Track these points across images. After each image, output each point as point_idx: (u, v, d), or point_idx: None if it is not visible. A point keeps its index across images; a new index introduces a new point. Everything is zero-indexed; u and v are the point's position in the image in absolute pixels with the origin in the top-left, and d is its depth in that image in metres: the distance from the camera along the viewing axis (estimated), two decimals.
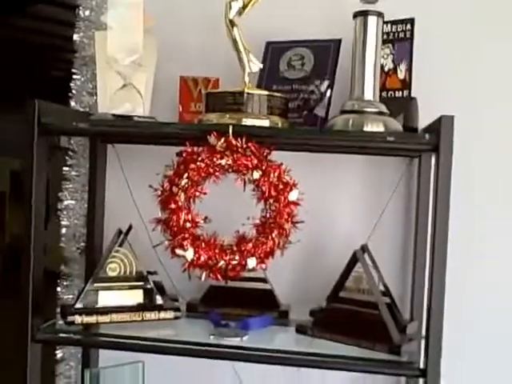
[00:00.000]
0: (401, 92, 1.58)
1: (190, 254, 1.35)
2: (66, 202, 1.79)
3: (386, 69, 1.59)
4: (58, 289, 1.79)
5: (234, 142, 1.34)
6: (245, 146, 1.34)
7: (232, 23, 1.45)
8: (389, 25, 1.59)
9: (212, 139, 1.34)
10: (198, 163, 1.33)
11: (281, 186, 1.35)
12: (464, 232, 1.61)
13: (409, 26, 1.57)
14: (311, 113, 1.55)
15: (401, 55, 1.57)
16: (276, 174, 1.35)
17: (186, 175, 1.33)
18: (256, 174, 1.35)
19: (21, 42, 3.87)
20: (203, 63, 1.75)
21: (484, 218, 1.68)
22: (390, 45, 1.59)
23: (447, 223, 1.29)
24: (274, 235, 1.35)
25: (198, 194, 1.36)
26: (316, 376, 1.70)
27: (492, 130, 1.66)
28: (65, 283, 1.80)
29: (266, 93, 1.43)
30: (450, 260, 1.34)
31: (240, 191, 1.38)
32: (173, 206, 1.34)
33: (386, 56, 1.59)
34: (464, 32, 1.66)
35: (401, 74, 1.57)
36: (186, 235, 1.35)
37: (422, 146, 1.31)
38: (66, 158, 1.79)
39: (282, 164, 1.38)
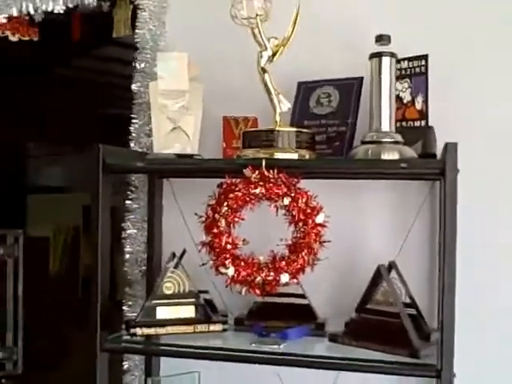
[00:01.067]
0: (419, 122, 1.75)
1: (231, 271, 1.56)
2: (128, 231, 2.03)
3: (404, 101, 1.77)
4: (124, 307, 2.03)
5: (266, 173, 1.55)
6: (276, 176, 1.55)
7: (263, 70, 1.67)
8: (406, 61, 1.77)
9: (247, 172, 1.55)
10: (236, 193, 1.55)
11: (308, 210, 1.55)
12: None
13: (423, 62, 1.74)
14: (339, 144, 1.74)
15: (417, 88, 1.75)
16: (304, 200, 1.55)
17: (225, 203, 1.55)
18: (286, 201, 1.55)
19: (90, 83, 4.29)
20: (244, 104, 1.95)
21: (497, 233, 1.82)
22: (408, 79, 1.77)
23: (455, 239, 1.45)
24: (303, 254, 1.55)
25: (236, 219, 1.57)
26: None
27: (501, 154, 1.80)
28: (129, 303, 2.04)
29: (294, 130, 1.64)
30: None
31: (273, 216, 1.59)
32: (215, 230, 1.56)
33: (404, 89, 1.77)
34: (473, 64, 1.82)
35: (418, 105, 1.75)
36: (227, 255, 1.56)
37: (431, 170, 1.48)
38: (128, 192, 2.05)
39: (308, 191, 1.57)
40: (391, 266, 1.75)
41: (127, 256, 2.04)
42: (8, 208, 5.59)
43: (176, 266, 1.82)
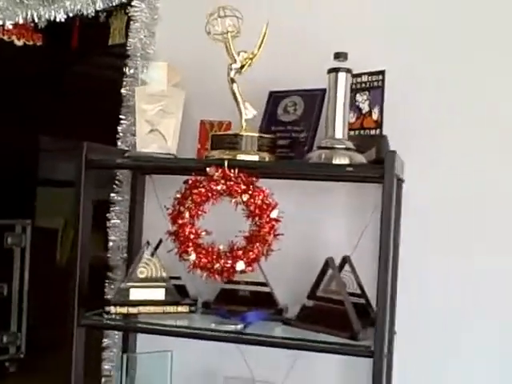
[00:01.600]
0: (374, 130, 1.93)
1: (192, 258, 1.76)
2: (112, 221, 2.24)
3: (363, 111, 1.96)
4: (106, 290, 2.23)
5: (228, 172, 1.74)
6: (236, 175, 1.75)
7: (232, 80, 1.87)
8: (366, 76, 1.96)
9: (210, 170, 1.75)
10: (200, 189, 1.75)
11: (264, 206, 1.75)
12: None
13: (380, 76, 1.93)
14: (301, 148, 1.94)
15: (375, 100, 1.93)
16: (261, 197, 1.75)
17: (190, 198, 1.75)
18: (245, 197, 1.75)
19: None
20: (223, 109, 2.12)
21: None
22: (367, 92, 1.96)
23: (389, 239, 1.64)
24: (258, 245, 1.74)
25: (200, 212, 1.77)
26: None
27: (449, 160, 1.99)
28: (112, 286, 2.24)
29: (256, 134, 1.84)
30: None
31: (233, 211, 1.78)
32: (180, 221, 1.76)
33: (363, 101, 1.96)
34: (425, 79, 2.01)
35: (375, 116, 1.93)
36: (190, 244, 1.76)
37: (373, 174, 1.67)
38: (114, 186, 2.25)
39: (266, 189, 1.77)
40: (345, 260, 1.94)
41: (110, 243, 2.24)
42: (18, 199, 5.83)
43: (152, 254, 2.02)
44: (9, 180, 5.80)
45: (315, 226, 2.13)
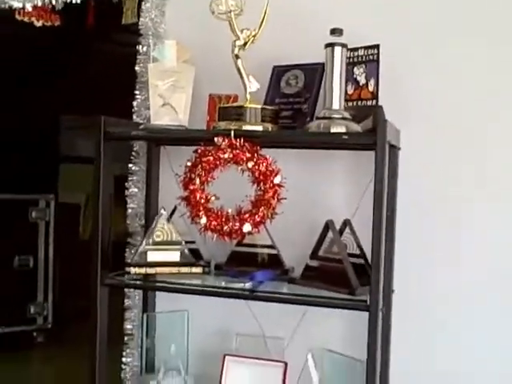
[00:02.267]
0: (371, 101, 2.06)
1: (203, 221, 1.92)
2: (130, 190, 2.40)
3: (360, 83, 2.08)
4: (126, 254, 2.41)
5: (234, 141, 1.89)
6: (242, 144, 1.89)
7: (237, 56, 2.00)
8: (362, 49, 2.08)
9: (218, 140, 1.90)
10: (208, 157, 1.90)
11: (268, 173, 1.89)
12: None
13: (375, 50, 2.04)
14: (302, 118, 2.07)
15: (371, 73, 2.05)
16: (264, 164, 1.89)
17: (199, 166, 1.90)
18: (250, 164, 1.89)
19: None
20: (232, 83, 2.27)
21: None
22: (364, 65, 2.08)
23: (382, 201, 1.77)
24: (263, 208, 1.89)
25: (209, 179, 1.92)
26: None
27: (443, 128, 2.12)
28: (132, 251, 2.40)
29: (259, 106, 1.98)
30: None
31: (240, 177, 1.93)
32: (191, 187, 1.91)
33: (360, 74, 2.09)
34: (418, 53, 2.13)
35: (371, 87, 2.06)
36: (201, 208, 1.91)
37: (366, 141, 1.80)
38: (131, 157, 2.41)
39: (269, 157, 1.91)
40: (345, 223, 2.09)
41: (129, 211, 2.41)
42: (42, 175, 6.01)
43: (167, 220, 2.18)
44: (32, 157, 5.99)
45: (319, 191, 2.27)
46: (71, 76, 5.54)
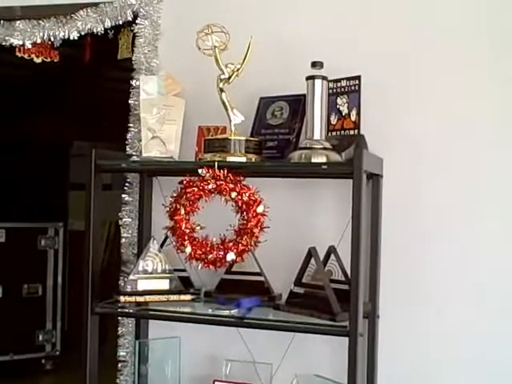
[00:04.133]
0: (353, 131, 2.12)
1: (188, 250, 1.97)
2: (124, 220, 2.47)
3: (343, 113, 2.14)
4: (120, 283, 2.46)
5: (217, 172, 1.95)
6: (225, 175, 1.95)
7: (221, 90, 2.08)
8: (344, 80, 2.14)
9: (203, 171, 1.96)
10: (193, 188, 1.96)
11: (251, 202, 1.95)
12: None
13: (357, 81, 2.11)
14: (286, 149, 2.13)
15: (352, 103, 2.12)
16: (247, 194, 1.95)
17: (184, 196, 1.97)
18: (233, 194, 1.95)
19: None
20: (219, 115, 2.34)
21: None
22: (346, 95, 2.14)
23: (360, 229, 1.83)
24: (246, 237, 1.94)
25: (194, 209, 1.98)
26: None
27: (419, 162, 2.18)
28: (125, 279, 2.46)
29: (243, 138, 2.04)
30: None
31: (223, 207, 1.99)
32: (176, 217, 1.97)
33: (343, 104, 2.15)
34: (399, 83, 2.19)
35: (353, 117, 2.12)
36: (186, 237, 1.97)
37: (344, 171, 1.85)
38: (124, 187, 2.48)
39: (252, 187, 1.97)
40: (330, 250, 2.13)
41: (123, 240, 2.47)
42: (51, 203, 6.12)
43: (158, 250, 2.24)
44: (41, 185, 6.11)
45: (306, 218, 2.33)
46: (71, 108, 5.68)
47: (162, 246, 2.29)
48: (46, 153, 6.24)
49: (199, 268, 2.02)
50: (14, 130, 5.83)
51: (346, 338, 1.86)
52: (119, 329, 2.47)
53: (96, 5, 2.54)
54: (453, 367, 2.14)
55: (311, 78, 2.01)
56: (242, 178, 1.97)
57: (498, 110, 2.12)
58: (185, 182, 1.99)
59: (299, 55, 2.28)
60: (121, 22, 2.53)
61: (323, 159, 1.95)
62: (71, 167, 6.47)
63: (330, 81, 2.08)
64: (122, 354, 2.48)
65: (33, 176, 6.18)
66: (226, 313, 2.02)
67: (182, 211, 1.97)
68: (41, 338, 5.22)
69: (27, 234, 5.19)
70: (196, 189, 1.96)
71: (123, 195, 2.48)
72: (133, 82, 2.50)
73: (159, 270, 2.20)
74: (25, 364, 5.07)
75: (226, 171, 1.96)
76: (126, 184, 2.49)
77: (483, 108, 2.12)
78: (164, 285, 2.18)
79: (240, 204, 1.95)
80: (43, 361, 5.24)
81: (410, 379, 2.18)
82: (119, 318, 2.45)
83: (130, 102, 2.50)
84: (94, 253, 2.10)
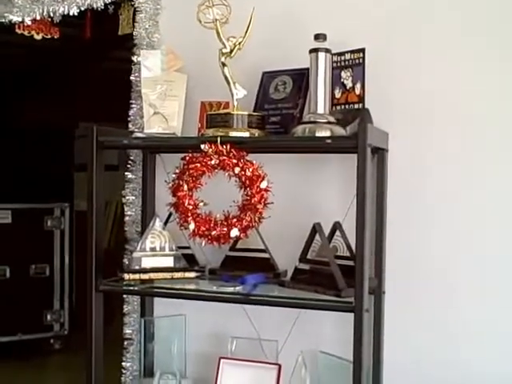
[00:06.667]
0: (357, 104, 2.08)
1: (192, 227, 1.95)
2: (127, 197, 2.45)
3: (347, 87, 2.10)
4: (124, 261, 2.45)
5: (220, 148, 1.92)
6: (228, 150, 1.92)
7: (223, 64, 2.04)
8: (348, 54, 2.10)
9: (205, 147, 1.93)
10: (196, 164, 1.93)
11: (254, 178, 1.92)
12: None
13: (361, 54, 2.07)
14: (290, 124, 2.10)
15: (357, 76, 2.08)
16: (251, 169, 1.92)
17: (187, 172, 1.94)
18: (236, 170, 1.92)
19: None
20: (221, 90, 2.31)
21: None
22: (350, 69, 2.10)
23: (364, 204, 1.79)
24: (250, 213, 1.92)
25: (197, 185, 1.96)
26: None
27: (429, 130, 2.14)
28: (129, 257, 2.45)
29: (246, 113, 2.01)
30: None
31: (227, 183, 1.97)
32: (179, 194, 1.95)
33: (347, 78, 2.11)
34: (404, 56, 2.14)
35: (357, 91, 2.08)
36: (189, 214, 1.95)
37: (349, 145, 1.82)
38: (127, 165, 2.46)
39: (256, 162, 1.94)
40: (335, 225, 2.11)
41: (127, 218, 2.45)
42: (58, 184, 6.13)
43: (163, 228, 2.22)
44: (47, 166, 6.11)
45: (312, 194, 2.29)
46: (75, 86, 5.65)
47: (165, 223, 2.27)
48: (51, 134, 6.23)
49: (203, 245, 2.00)
50: (19, 112, 5.83)
51: (352, 314, 1.84)
52: (124, 307, 2.46)
53: None
54: (460, 341, 2.11)
55: (314, 50, 1.97)
56: (245, 153, 1.94)
57: (508, 85, 2.07)
58: (187, 158, 1.96)
59: (302, 28, 2.24)
60: None
61: (327, 133, 1.92)
62: (77, 149, 6.46)
63: (334, 54, 2.03)
64: (127, 331, 2.48)
65: (38, 158, 6.18)
66: (231, 290, 2.00)
67: (185, 187, 1.95)
68: (49, 317, 5.26)
69: (33, 215, 5.21)
70: (199, 165, 1.93)
71: (126, 173, 2.46)
72: (134, 58, 2.46)
73: (163, 248, 2.18)
74: (33, 344, 5.11)
75: (228, 146, 1.93)
76: (129, 162, 2.47)
77: (491, 82, 2.07)
78: (168, 262, 2.17)
79: (243, 179, 1.92)
80: (52, 340, 5.28)
81: (416, 354, 2.16)
82: (124, 296, 2.44)
83: (131, 78, 2.46)
84: (97, 229, 2.08)
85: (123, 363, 2.47)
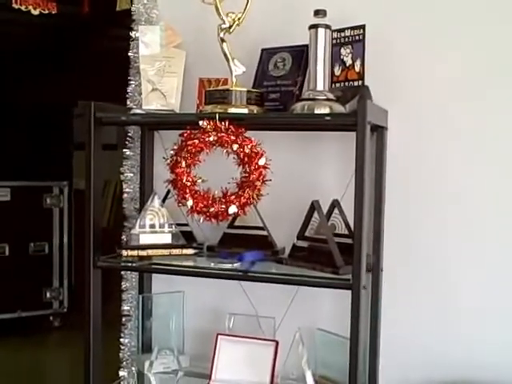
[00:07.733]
0: (357, 82, 2.07)
1: (190, 203, 1.95)
2: (126, 175, 2.44)
3: (347, 64, 2.09)
4: (122, 238, 2.45)
5: (218, 124, 1.91)
6: (226, 127, 1.91)
7: (222, 40, 2.02)
8: (348, 30, 2.08)
9: (203, 123, 1.92)
10: (194, 140, 1.92)
11: (252, 155, 1.91)
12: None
13: (361, 31, 2.05)
14: (289, 101, 2.09)
15: (357, 53, 2.06)
16: (249, 146, 1.91)
17: (185, 149, 1.93)
18: (235, 147, 1.92)
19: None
20: (220, 66, 2.29)
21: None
22: (350, 46, 2.08)
23: (363, 181, 1.78)
24: (248, 190, 1.92)
25: (195, 162, 1.95)
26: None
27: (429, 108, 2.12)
28: (127, 234, 2.45)
29: (244, 89, 2.00)
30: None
31: (225, 160, 1.96)
32: (177, 170, 1.94)
33: (347, 54, 2.09)
34: (404, 33, 2.12)
35: (357, 68, 2.06)
36: (187, 190, 1.94)
37: (348, 122, 1.81)
38: (126, 142, 2.45)
39: (254, 139, 1.94)
40: (334, 203, 2.11)
41: (125, 195, 2.45)
42: (57, 162, 6.12)
43: (160, 205, 2.22)
44: (47, 145, 6.09)
45: (310, 172, 2.29)
46: (71, 62, 5.61)
47: (164, 200, 2.27)
48: (50, 113, 6.21)
49: (201, 222, 2.00)
50: (17, 90, 5.80)
51: (349, 292, 1.84)
52: (122, 283, 2.46)
53: None
54: (457, 318, 2.12)
55: (314, 26, 1.95)
56: (243, 130, 1.93)
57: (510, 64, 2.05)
58: (185, 134, 1.95)
59: (302, 3, 2.21)
60: None
61: (326, 110, 1.91)
62: (76, 127, 6.44)
63: (334, 30, 2.02)
64: (125, 308, 2.48)
65: (37, 137, 6.16)
66: (229, 266, 2.00)
67: (183, 164, 1.94)
68: (48, 295, 5.28)
69: (32, 193, 5.21)
70: (197, 141, 1.92)
71: (124, 150, 2.45)
72: (132, 34, 2.44)
73: (161, 225, 2.18)
74: (33, 321, 5.15)
75: (227, 123, 1.92)
76: (127, 139, 2.45)
77: (493, 60, 2.05)
78: (166, 239, 2.17)
79: (242, 156, 1.92)
80: (51, 318, 5.31)
81: (413, 332, 2.17)
82: (122, 273, 2.44)
83: (129, 54, 2.44)
84: (95, 204, 2.07)
85: (121, 339, 2.48)
